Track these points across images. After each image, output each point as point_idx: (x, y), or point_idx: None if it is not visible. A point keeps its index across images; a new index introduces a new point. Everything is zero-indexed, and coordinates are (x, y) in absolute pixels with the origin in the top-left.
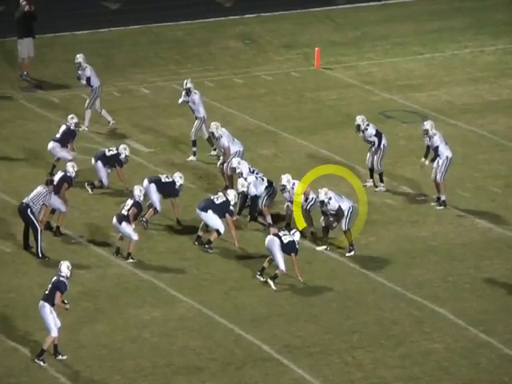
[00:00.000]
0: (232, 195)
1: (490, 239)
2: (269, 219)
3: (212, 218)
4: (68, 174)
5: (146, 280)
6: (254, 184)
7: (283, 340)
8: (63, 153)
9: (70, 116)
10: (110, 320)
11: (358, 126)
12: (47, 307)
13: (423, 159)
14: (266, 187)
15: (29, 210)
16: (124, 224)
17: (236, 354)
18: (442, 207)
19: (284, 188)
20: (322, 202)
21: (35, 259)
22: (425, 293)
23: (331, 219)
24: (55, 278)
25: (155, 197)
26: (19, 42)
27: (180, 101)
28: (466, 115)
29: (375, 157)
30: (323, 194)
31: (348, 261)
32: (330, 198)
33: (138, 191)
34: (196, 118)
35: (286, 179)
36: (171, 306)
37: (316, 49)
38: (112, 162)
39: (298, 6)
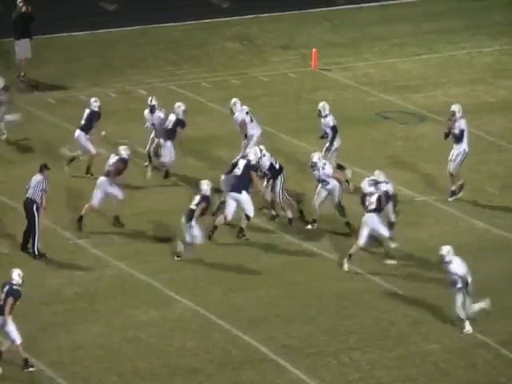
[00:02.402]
0: (252, 155)
1: (487, 240)
2: (289, 214)
3: (246, 200)
4: (122, 156)
5: (143, 281)
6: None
7: (280, 341)
8: (88, 145)
9: (92, 99)
10: (107, 321)
11: (319, 111)
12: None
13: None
14: (278, 172)
15: (34, 205)
16: (194, 221)
17: (233, 355)
18: (453, 197)
19: (315, 165)
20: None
21: (32, 260)
22: (421, 294)
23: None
24: (7, 287)
25: None
26: (16, 42)
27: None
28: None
29: (324, 151)
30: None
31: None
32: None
33: (205, 185)
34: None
35: (317, 157)
36: (168, 306)
37: (313, 50)
38: None
39: (295, 7)
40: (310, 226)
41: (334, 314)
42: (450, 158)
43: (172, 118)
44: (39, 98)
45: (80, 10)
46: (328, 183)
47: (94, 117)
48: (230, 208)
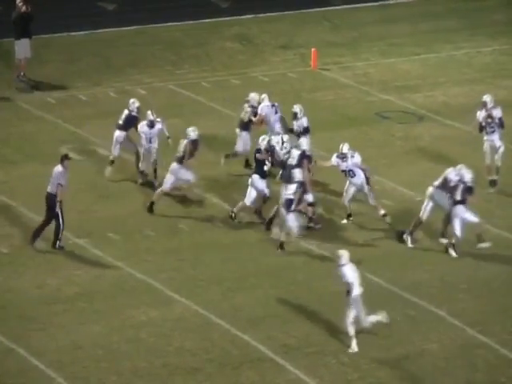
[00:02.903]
0: (305, 145)
1: (487, 239)
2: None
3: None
4: (191, 137)
5: (143, 281)
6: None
7: (279, 340)
8: (129, 144)
9: (131, 101)
10: (107, 321)
11: (295, 113)
12: None
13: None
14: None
15: (55, 198)
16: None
17: (233, 355)
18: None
19: (344, 156)
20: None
21: (32, 260)
22: (421, 293)
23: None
24: None
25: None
26: (16, 42)
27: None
28: (461, 116)
29: None
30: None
31: None
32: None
33: (298, 174)
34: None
35: (346, 147)
36: (168, 306)
37: (312, 49)
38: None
39: (295, 7)
40: (345, 221)
41: (333, 313)
42: (486, 149)
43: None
44: (39, 97)
45: (79, 10)
46: (355, 175)
47: (132, 121)
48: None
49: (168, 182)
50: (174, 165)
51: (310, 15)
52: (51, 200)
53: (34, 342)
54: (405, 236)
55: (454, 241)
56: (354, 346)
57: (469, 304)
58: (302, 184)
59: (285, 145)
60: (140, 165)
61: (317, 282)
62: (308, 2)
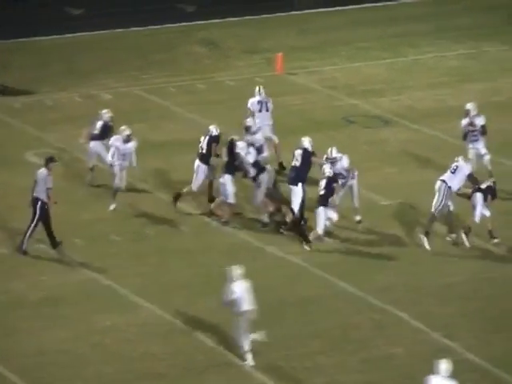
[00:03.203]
0: (307, 143)
1: (452, 243)
2: (264, 217)
3: (298, 194)
4: (213, 134)
5: (108, 286)
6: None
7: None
8: (103, 152)
9: (104, 111)
10: (72, 326)
11: (249, 127)
12: None
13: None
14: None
15: (39, 203)
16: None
17: (198, 360)
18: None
19: (334, 159)
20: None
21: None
22: (387, 297)
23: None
24: None
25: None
26: None
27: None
28: (428, 120)
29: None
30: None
31: (310, 266)
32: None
33: (327, 169)
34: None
35: (335, 151)
36: (133, 311)
37: (279, 54)
38: None
39: (261, 11)
40: (358, 219)
41: (298, 318)
42: (471, 156)
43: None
44: (5, 102)
45: (46, 15)
46: (345, 177)
47: (106, 131)
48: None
49: (196, 180)
50: (198, 163)
51: (277, 20)
52: (37, 204)
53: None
54: (421, 238)
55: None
56: (250, 361)
57: (434, 308)
58: (331, 178)
59: (250, 149)
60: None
61: (283, 288)
62: (274, 6)
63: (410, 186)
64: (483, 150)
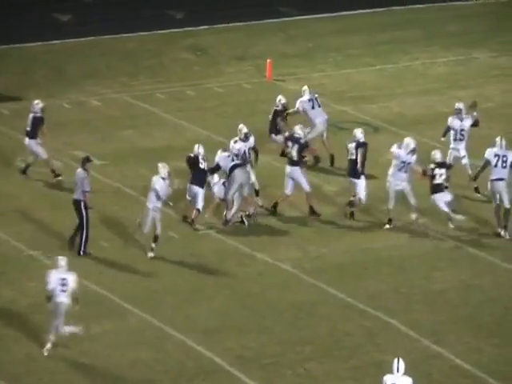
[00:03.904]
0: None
1: (441, 250)
2: (229, 214)
3: (362, 185)
4: (297, 136)
5: (97, 292)
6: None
7: (235, 352)
8: (39, 149)
9: (35, 102)
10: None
11: (247, 133)
12: None
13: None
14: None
15: (82, 204)
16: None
17: (187, 367)
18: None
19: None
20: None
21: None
22: (377, 304)
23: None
24: None
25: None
26: None
27: None
28: (417, 126)
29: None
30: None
31: (300, 272)
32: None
33: (438, 154)
34: None
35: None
36: (122, 318)
37: (268, 60)
38: None
39: (250, 18)
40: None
41: (288, 324)
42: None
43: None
44: None
45: (33, 21)
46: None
47: (38, 123)
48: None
49: (287, 185)
50: (288, 168)
51: (266, 26)
52: (80, 207)
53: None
54: (501, 232)
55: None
56: (46, 350)
57: (424, 315)
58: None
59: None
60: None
61: (273, 294)
62: (263, 13)
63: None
64: (463, 152)
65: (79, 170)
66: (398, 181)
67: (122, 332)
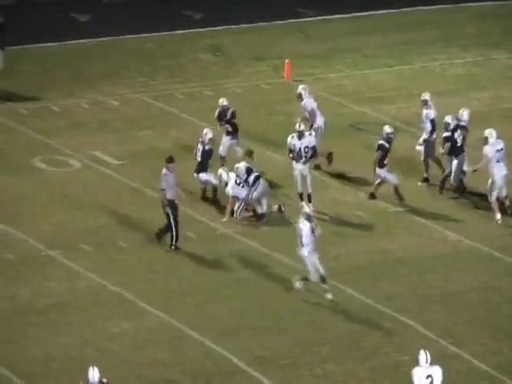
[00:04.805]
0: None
1: (459, 251)
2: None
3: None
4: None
5: (116, 292)
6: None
7: (253, 352)
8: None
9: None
10: (79, 332)
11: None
12: None
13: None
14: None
15: (165, 202)
16: None
17: (206, 367)
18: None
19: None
20: None
21: (4, 272)
22: (395, 305)
23: None
24: None
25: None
26: None
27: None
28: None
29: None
30: None
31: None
32: None
33: None
34: None
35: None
36: (141, 318)
37: (286, 61)
38: None
39: (268, 19)
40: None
41: (307, 325)
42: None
43: None
44: (11, 108)
45: (52, 21)
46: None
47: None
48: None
49: (390, 178)
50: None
51: (284, 27)
52: (162, 204)
53: (6, 354)
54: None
55: None
56: None
57: (441, 316)
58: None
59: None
60: None
61: (291, 294)
62: (281, 13)
63: (416, 192)
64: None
65: (163, 170)
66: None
67: (140, 332)
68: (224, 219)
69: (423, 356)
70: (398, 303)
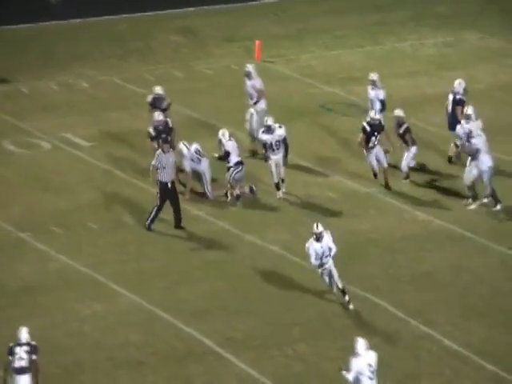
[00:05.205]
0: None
1: (430, 231)
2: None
3: None
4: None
5: (87, 274)
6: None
7: (224, 333)
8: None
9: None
10: (51, 314)
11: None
12: None
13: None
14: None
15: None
16: None
17: (177, 348)
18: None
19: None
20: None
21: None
22: (366, 285)
23: None
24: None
25: None
26: None
27: None
28: (405, 108)
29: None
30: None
31: (289, 254)
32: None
33: None
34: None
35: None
36: (112, 300)
37: (257, 42)
38: None
39: (241, 0)
40: (473, 206)
41: (277, 306)
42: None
43: None
44: None
45: (23, 3)
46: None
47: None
48: None
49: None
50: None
51: (255, 7)
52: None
53: None
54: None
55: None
56: None
57: (412, 296)
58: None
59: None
60: None
61: (262, 275)
62: None
63: (388, 173)
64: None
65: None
66: None
67: (111, 314)
68: (186, 197)
69: (360, 345)
70: (368, 284)
